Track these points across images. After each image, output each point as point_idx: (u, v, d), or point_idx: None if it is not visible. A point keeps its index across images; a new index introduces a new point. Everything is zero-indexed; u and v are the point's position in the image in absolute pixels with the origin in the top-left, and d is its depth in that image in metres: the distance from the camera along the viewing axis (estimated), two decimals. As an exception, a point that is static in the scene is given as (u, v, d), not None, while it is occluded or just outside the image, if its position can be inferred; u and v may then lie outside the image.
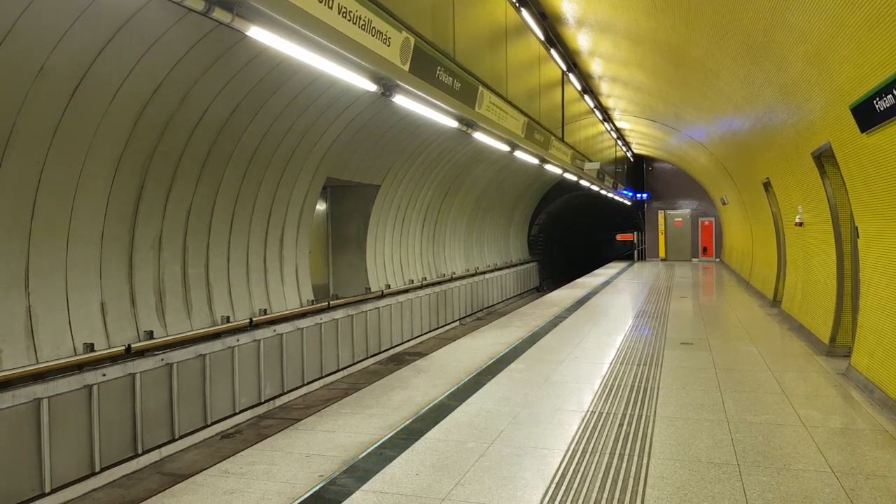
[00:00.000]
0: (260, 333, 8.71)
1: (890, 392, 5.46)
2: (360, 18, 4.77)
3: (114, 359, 6.54)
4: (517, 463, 4.39)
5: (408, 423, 5.33)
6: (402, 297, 13.37)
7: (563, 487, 3.98)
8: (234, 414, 8.16)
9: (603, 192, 21.72)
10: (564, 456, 4.52)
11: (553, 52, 11.66)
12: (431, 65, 6.20)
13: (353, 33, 4.74)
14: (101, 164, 6.44)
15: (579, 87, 14.35)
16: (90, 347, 6.34)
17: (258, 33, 4.51)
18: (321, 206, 12.65)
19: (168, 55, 6.28)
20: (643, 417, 5.36)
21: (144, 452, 6.76)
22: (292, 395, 9.36)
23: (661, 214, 27.36)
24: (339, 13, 4.49)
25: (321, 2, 4.27)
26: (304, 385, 9.66)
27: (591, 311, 12.32)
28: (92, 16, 5.32)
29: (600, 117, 18.08)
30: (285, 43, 4.70)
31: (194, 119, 7.24)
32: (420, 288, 14.49)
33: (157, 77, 6.43)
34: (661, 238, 27.43)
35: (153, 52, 6.10)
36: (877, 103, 5.00)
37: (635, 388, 6.35)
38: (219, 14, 4.17)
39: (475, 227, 19.51)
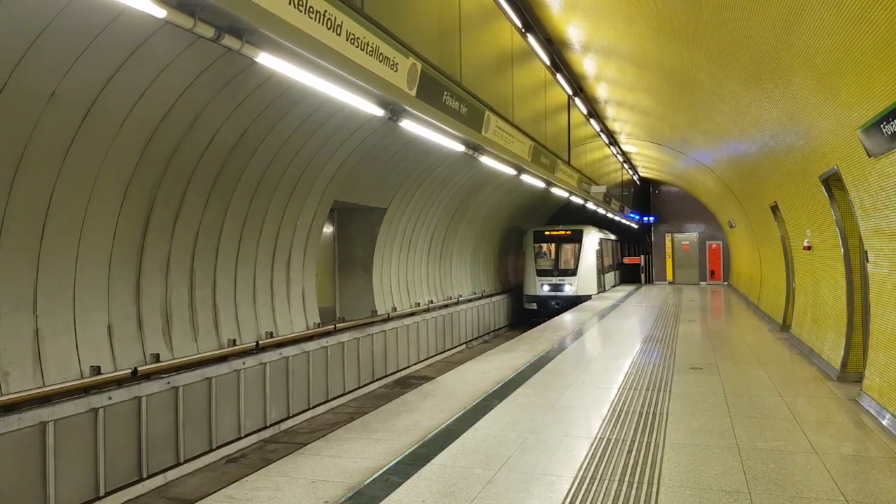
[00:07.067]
0: (266, 356, 8.68)
1: (903, 419, 5.38)
2: (367, 45, 4.83)
3: (120, 382, 6.53)
4: (525, 490, 4.33)
5: (414, 448, 5.27)
6: (408, 320, 13.33)
7: (572, 515, 3.92)
8: (240, 438, 8.12)
9: (610, 215, 21.71)
10: (573, 483, 4.45)
11: (559, 76, 11.74)
12: (438, 90, 6.25)
13: (361, 59, 4.79)
14: (111, 186, 6.50)
15: (585, 111, 14.42)
16: (96, 370, 6.34)
17: (267, 59, 4.57)
18: (328, 229, 12.69)
19: (177, 81, 6.36)
20: (652, 444, 5.29)
21: (149, 477, 6.72)
22: (298, 419, 9.30)
23: (668, 238, 27.30)
24: (347, 40, 4.55)
25: (329, 29, 4.33)
26: (309, 409, 9.60)
27: (598, 335, 12.24)
28: (103, 43, 5.40)
29: (606, 141, 18.13)
30: (294, 69, 4.75)
31: (203, 143, 7.32)
32: (426, 311, 14.45)
33: (167, 103, 6.51)
34: (669, 261, 27.34)
35: (162, 78, 6.18)
36: (884, 128, 5.00)
37: (644, 413, 6.27)
38: (228, 41, 4.23)
39: (482, 250, 19.50)
